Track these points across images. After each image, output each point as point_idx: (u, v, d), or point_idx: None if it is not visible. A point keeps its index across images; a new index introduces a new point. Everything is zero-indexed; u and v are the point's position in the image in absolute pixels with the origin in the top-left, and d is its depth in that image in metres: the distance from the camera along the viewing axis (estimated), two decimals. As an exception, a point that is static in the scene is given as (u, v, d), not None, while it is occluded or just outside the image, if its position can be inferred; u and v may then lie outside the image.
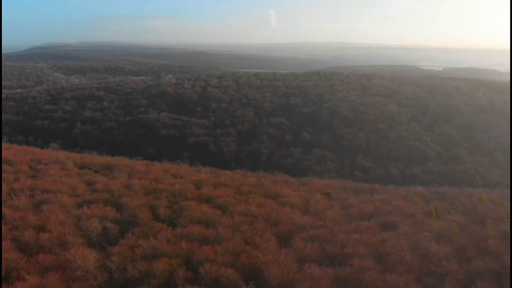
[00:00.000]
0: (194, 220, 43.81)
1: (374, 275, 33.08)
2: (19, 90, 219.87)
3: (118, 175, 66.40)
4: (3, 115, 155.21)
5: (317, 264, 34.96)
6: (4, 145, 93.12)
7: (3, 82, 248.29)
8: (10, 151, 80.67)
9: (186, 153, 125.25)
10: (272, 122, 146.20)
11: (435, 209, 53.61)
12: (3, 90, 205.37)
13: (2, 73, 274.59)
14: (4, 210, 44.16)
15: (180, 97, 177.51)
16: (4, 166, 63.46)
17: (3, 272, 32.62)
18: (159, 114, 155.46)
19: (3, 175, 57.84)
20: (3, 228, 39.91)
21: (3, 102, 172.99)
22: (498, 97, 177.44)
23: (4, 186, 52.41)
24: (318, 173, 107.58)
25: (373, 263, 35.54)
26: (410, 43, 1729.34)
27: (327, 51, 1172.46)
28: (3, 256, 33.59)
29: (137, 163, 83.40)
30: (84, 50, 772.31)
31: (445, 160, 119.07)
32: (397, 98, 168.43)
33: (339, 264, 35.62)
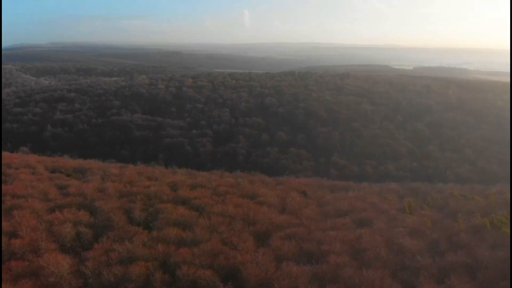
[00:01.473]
0: (171, 223, 43.37)
1: (350, 271, 33.55)
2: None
3: (91, 179, 65.29)
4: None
5: (295, 262, 35.20)
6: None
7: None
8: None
9: (161, 155, 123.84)
10: (248, 122, 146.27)
11: (408, 205, 54.81)
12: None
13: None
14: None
15: (154, 97, 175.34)
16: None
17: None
18: (132, 116, 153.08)
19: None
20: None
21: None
22: (467, 95, 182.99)
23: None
24: (294, 172, 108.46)
25: (350, 260, 36.05)
26: (382, 43, 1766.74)
27: (301, 51, 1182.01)
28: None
29: (110, 166, 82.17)
30: (54, 51, 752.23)
31: (417, 157, 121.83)
32: (370, 97, 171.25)
33: (316, 261, 35.93)
